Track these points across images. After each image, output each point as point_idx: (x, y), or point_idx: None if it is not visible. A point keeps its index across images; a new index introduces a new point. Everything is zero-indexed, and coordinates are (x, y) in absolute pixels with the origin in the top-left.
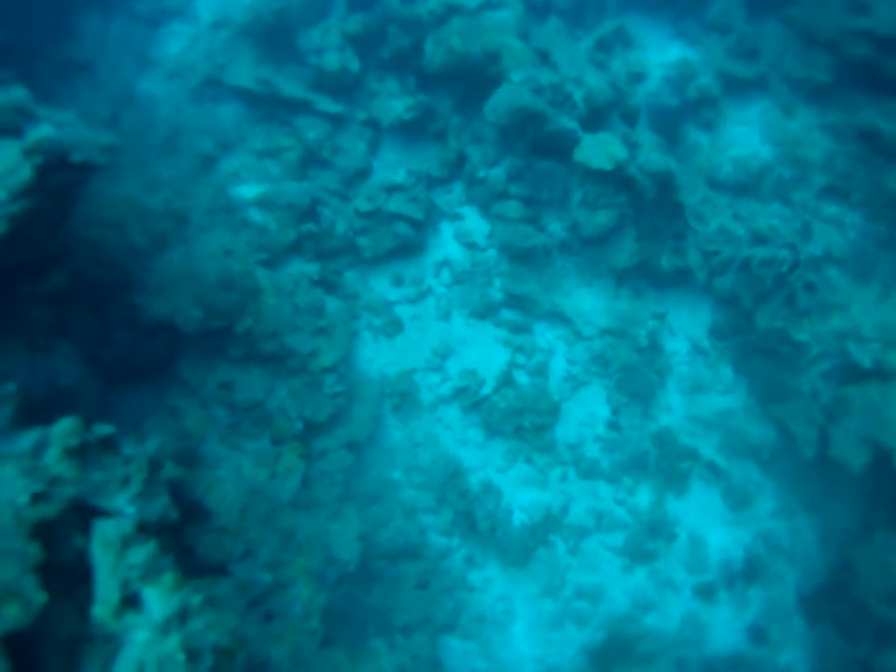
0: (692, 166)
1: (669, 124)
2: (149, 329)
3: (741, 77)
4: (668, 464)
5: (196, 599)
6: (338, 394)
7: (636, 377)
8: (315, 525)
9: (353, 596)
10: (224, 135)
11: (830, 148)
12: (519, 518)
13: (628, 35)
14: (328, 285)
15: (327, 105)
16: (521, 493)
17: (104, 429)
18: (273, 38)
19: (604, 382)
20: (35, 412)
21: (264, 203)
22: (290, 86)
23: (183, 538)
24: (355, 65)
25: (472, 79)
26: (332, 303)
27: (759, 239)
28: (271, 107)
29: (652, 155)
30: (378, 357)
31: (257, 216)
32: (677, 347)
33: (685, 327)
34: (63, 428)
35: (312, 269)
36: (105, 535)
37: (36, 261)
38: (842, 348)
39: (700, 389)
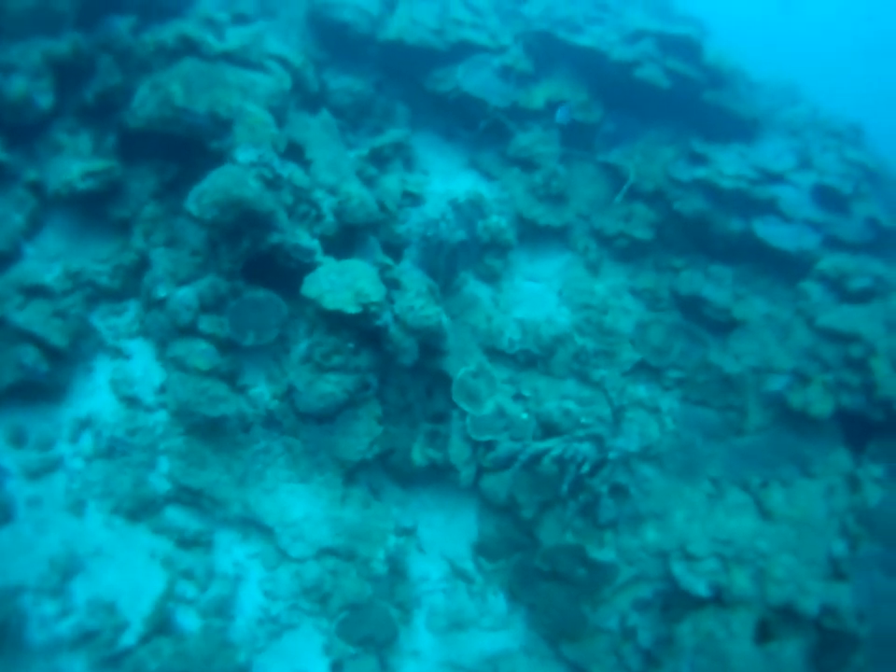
0: (464, 326)
1: (445, 267)
2: None
3: (542, 224)
4: None
5: None
6: None
7: (369, 616)
8: None
9: None
10: None
11: (643, 317)
12: None
13: (412, 152)
14: None
15: None
16: None
17: None
18: None
19: (321, 624)
20: None
21: None
22: None
23: None
24: (45, 101)
25: (190, 151)
26: None
27: (548, 427)
28: None
29: (419, 302)
30: None
31: None
32: (428, 570)
33: (440, 541)
34: None
35: None
36: None
37: None
38: (664, 570)
39: (461, 626)
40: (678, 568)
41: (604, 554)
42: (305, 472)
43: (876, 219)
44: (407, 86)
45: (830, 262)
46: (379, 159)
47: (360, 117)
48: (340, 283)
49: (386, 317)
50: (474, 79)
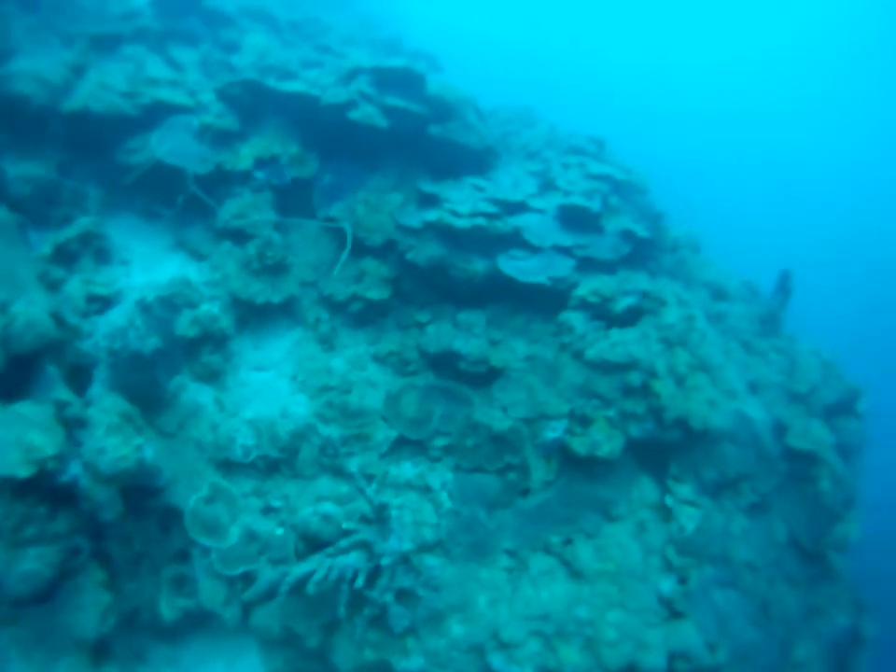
0: (187, 443)
1: (144, 381)
2: None
3: (261, 303)
4: None
5: None
6: None
7: None
8: None
9: None
10: None
11: (392, 386)
12: None
13: (106, 241)
14: None
15: None
16: None
17: None
18: None
19: None
20: None
21: None
22: None
23: None
24: None
25: None
26: None
27: (308, 538)
28: None
29: (111, 441)
30: None
31: None
32: None
33: None
34: None
35: None
36: None
37: None
38: (483, 665)
39: None
40: (496, 661)
41: (412, 663)
42: (44, 664)
43: (632, 231)
44: (99, 163)
45: (588, 286)
46: (65, 256)
47: (45, 207)
48: (7, 438)
49: (73, 469)
50: (168, 145)
